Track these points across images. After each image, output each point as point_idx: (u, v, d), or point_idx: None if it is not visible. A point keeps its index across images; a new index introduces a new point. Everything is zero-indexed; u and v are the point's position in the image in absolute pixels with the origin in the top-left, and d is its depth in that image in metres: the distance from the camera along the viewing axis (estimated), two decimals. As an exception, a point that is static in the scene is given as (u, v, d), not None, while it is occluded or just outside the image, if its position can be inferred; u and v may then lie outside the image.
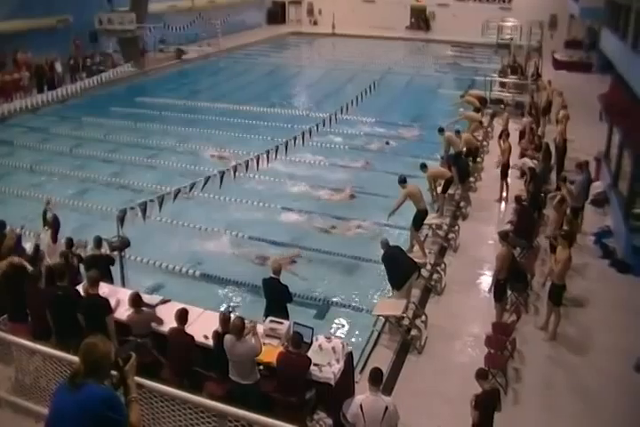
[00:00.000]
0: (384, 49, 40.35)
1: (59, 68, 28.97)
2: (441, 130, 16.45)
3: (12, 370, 7.42)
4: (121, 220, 11.12)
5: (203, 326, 8.37)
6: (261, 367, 7.81)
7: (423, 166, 14.27)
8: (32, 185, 17.58)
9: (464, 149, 16.58)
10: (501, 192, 16.12)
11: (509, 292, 10.90)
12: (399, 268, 10.44)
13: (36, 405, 6.34)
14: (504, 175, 16.12)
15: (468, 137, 17.15)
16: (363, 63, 34.88)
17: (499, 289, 10.34)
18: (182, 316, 8.08)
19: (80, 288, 8.91)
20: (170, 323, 8.24)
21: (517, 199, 13.17)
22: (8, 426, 6.61)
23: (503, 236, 10.62)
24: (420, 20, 47.01)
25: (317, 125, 16.68)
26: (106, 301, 8.30)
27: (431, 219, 13.72)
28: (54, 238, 11.05)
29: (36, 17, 28.31)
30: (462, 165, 15.67)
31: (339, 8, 46.50)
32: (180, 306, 8.95)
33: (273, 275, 9.10)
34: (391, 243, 10.76)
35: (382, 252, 10.62)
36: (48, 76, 28.16)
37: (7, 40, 27.10)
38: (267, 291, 9.22)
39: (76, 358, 5.73)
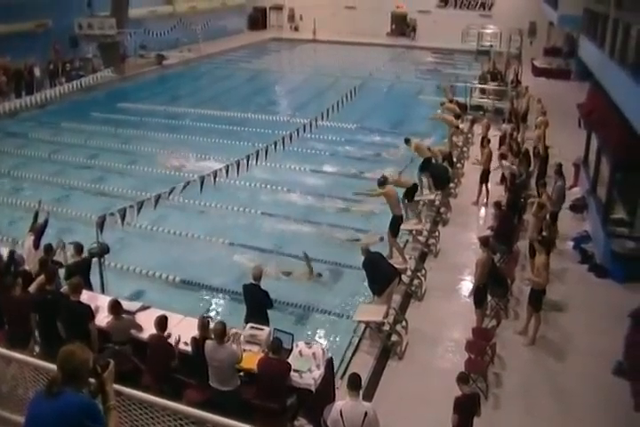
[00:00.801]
0: (365, 55, 40.51)
1: (37, 72, 28.73)
2: (407, 140, 16.37)
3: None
4: (100, 226, 11.03)
5: (183, 333, 8.29)
6: (242, 374, 7.79)
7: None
8: (9, 191, 17.45)
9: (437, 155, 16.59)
10: (479, 197, 16.27)
11: (489, 297, 10.98)
12: (380, 274, 10.44)
13: (13, 414, 6.23)
14: (484, 180, 16.24)
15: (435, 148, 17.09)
16: (344, 69, 34.99)
17: (479, 295, 10.38)
18: (162, 323, 8.02)
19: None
20: (149, 330, 8.19)
21: (497, 205, 13.24)
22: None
23: (484, 241, 10.63)
24: (404, 26, 47.23)
25: (298, 131, 16.65)
26: (88, 307, 8.24)
27: (411, 225, 13.79)
28: (36, 244, 10.91)
29: (15, 21, 28.13)
30: (436, 170, 15.68)
31: (320, 14, 46.59)
32: (160, 313, 8.94)
33: (253, 281, 9.06)
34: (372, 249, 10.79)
35: (363, 258, 10.61)
36: (27, 81, 27.92)
37: (-14, 44, 26.88)
38: (247, 297, 9.18)
39: (54, 366, 5.69)
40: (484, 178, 16.25)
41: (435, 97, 28.77)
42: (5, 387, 7.04)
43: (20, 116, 25.65)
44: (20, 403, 6.61)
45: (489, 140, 17.38)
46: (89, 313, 8.16)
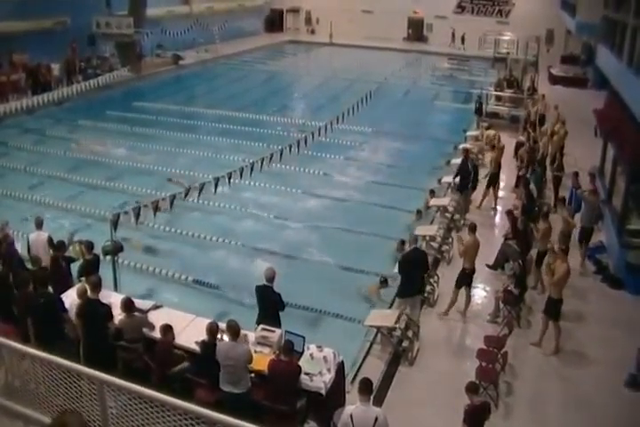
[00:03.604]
0: (381, 60, 40.56)
1: (55, 70, 28.90)
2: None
3: (2, 372, 7.35)
4: (114, 224, 11.09)
5: (194, 333, 8.36)
6: (252, 375, 7.79)
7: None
8: (27, 186, 17.54)
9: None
10: (483, 200, 16.29)
11: (502, 305, 10.95)
12: (415, 277, 10.51)
13: (25, 408, 6.29)
14: (491, 184, 16.23)
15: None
16: (359, 73, 34.99)
17: (462, 277, 11.18)
18: (167, 329, 8.04)
19: (73, 292, 8.89)
20: (161, 329, 8.21)
21: (509, 213, 13.20)
22: (-4, 427, 6.57)
23: (472, 228, 11.35)
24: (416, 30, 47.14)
25: (313, 134, 16.66)
26: (108, 307, 8.31)
27: (424, 230, 13.74)
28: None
29: (34, 18, 28.24)
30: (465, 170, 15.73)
31: (336, 18, 46.52)
32: (172, 312, 9.00)
33: (266, 282, 9.05)
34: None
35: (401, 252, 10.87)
36: (44, 79, 28.06)
37: (3, 41, 26.98)
38: (259, 298, 9.17)
39: (64, 361, 5.71)
40: (492, 182, 16.22)
41: (450, 103, 28.90)
42: (18, 381, 7.12)
43: (38, 112, 25.72)
44: (31, 398, 6.67)
45: (502, 147, 17.36)
46: (109, 312, 8.26)
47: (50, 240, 10.54)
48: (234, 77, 35.17)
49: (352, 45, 44.21)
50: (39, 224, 10.95)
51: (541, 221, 12.49)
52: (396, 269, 10.85)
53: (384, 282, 11.97)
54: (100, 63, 32.17)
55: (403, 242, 11.95)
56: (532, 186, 14.95)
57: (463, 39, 43.69)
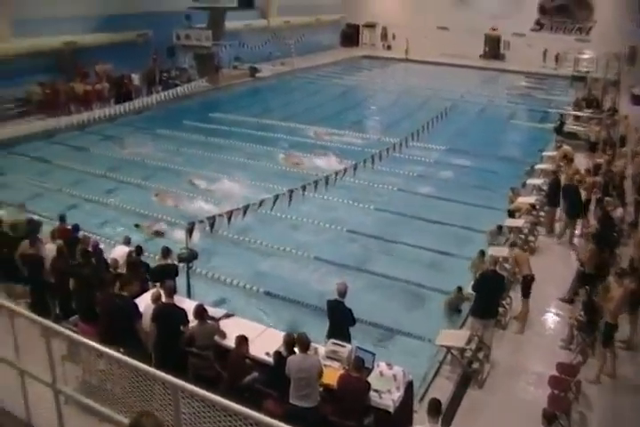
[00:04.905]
0: (456, 77, 40.08)
1: (136, 80, 29.83)
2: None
3: (80, 369, 7.58)
4: (189, 232, 11.35)
5: (264, 344, 8.43)
6: (321, 389, 7.79)
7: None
8: (104, 191, 18.16)
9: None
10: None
11: (576, 332, 10.64)
12: (490, 299, 10.40)
13: (101, 406, 6.45)
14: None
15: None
16: (434, 90, 34.76)
17: (525, 286, 11.45)
18: (242, 341, 8.12)
19: (148, 296, 9.12)
20: (233, 337, 8.27)
21: (587, 237, 12.85)
22: (73, 422, 6.72)
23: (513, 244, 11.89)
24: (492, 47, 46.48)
25: (387, 150, 16.65)
26: (183, 311, 8.47)
27: (498, 251, 13.47)
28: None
29: (118, 31, 29.44)
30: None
31: (412, 34, 46.21)
32: (244, 321, 9.10)
33: (338, 297, 9.07)
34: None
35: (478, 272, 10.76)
36: (126, 88, 29.06)
37: (91, 52, 28.21)
38: (331, 313, 9.20)
39: (140, 364, 5.83)
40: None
41: (526, 122, 28.41)
42: (95, 380, 7.32)
43: (118, 120, 26.67)
44: (106, 396, 6.85)
45: (560, 166, 17.06)
46: (184, 316, 8.43)
47: (130, 252, 10.82)
48: (309, 91, 35.44)
49: (427, 62, 43.88)
50: (127, 242, 11.23)
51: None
52: (471, 288, 10.73)
53: (460, 291, 11.81)
54: (179, 74, 32.93)
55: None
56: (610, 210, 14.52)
57: (545, 56, 42.85)
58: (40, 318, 6.37)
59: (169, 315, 8.41)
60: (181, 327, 8.41)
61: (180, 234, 14.55)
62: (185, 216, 15.58)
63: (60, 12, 26.58)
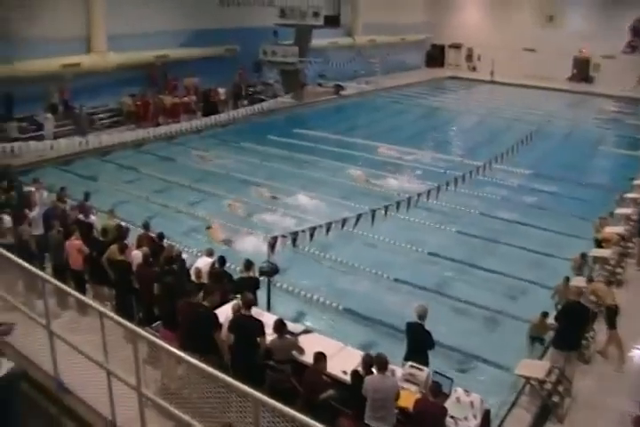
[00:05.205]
0: (543, 99, 39.20)
1: (222, 94, 30.67)
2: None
3: (160, 374, 7.77)
4: (271, 246, 11.51)
5: (342, 362, 8.43)
6: (396, 411, 7.73)
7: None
8: (189, 202, 18.67)
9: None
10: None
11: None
12: (573, 332, 10.11)
13: (179, 410, 6.58)
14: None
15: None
16: (520, 113, 34.18)
17: (610, 316, 10.99)
18: (320, 358, 8.08)
19: (228, 307, 9.26)
20: (310, 353, 8.28)
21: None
22: (152, 425, 6.89)
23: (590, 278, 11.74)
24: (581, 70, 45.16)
25: (471, 172, 16.47)
26: (260, 322, 8.55)
27: (580, 281, 13.07)
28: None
29: (207, 45, 30.52)
30: None
31: (498, 55, 45.70)
32: (322, 338, 9.12)
33: (418, 320, 9.00)
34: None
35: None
36: (212, 101, 29.85)
37: (180, 66, 29.33)
38: (410, 335, 9.13)
39: (219, 374, 5.91)
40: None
41: (615, 148, 27.57)
42: (174, 385, 7.49)
43: (204, 133, 27.45)
44: (184, 403, 6.99)
45: None
46: (261, 328, 8.48)
47: (213, 263, 11.03)
48: (393, 110, 35.37)
49: (513, 84, 43.23)
50: (209, 254, 11.43)
51: None
52: (554, 319, 10.44)
53: (545, 316, 11.48)
54: (265, 89, 33.82)
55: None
56: None
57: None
58: (128, 323, 6.57)
59: (245, 326, 8.51)
60: (258, 339, 8.47)
61: (249, 245, 15.21)
62: (263, 228, 15.98)
63: (152, 27, 27.89)
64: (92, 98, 26.26)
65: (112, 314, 6.81)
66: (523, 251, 15.58)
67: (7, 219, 12.42)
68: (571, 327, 10.07)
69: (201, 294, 9.05)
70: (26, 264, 7.79)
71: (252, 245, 14.76)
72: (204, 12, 31.00)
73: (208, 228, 16.18)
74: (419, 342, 8.98)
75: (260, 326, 8.48)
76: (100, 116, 27.09)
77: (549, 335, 11.02)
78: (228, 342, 8.54)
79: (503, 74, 44.31)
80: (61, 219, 12.54)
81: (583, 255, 13.61)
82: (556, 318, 10.38)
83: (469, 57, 51.12)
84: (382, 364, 7.62)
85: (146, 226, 12.50)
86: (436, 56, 52.34)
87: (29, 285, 8.93)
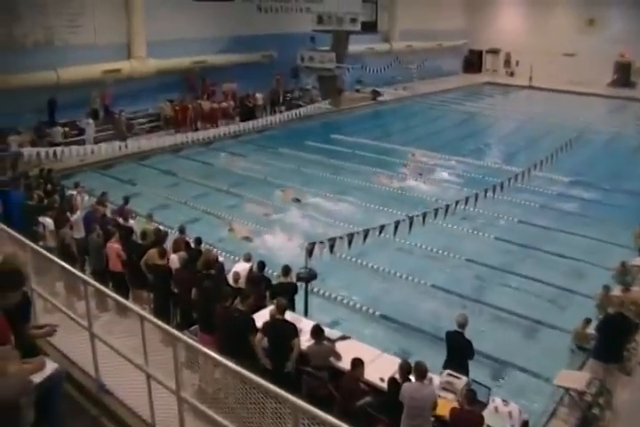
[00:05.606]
0: (582, 105, 38.75)
1: (259, 99, 30.81)
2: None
3: (197, 377, 7.82)
4: (309, 252, 11.53)
5: (379, 369, 8.40)
6: (432, 419, 7.68)
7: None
8: (226, 206, 18.81)
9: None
10: None
11: None
12: (615, 344, 9.92)
13: (216, 413, 6.62)
14: None
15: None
16: (558, 119, 33.56)
17: None
18: (358, 364, 8.05)
19: (266, 312, 9.31)
20: (347, 360, 8.26)
21: None
22: (190, 427, 6.95)
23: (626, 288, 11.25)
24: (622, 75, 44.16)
25: (509, 180, 16.30)
26: (293, 326, 8.62)
27: (619, 291, 12.81)
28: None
29: (245, 51, 30.83)
30: None
31: (537, 60, 44.80)
32: (360, 345, 9.10)
33: (458, 328, 8.93)
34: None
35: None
36: (250, 107, 30.08)
37: (219, 72, 29.67)
38: (449, 344, 9.06)
39: (256, 378, 5.92)
40: None
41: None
42: (211, 389, 7.54)
43: (242, 138, 27.64)
44: (221, 407, 7.03)
45: None
46: (293, 331, 8.56)
47: (251, 267, 11.08)
48: (430, 116, 35.18)
49: (552, 89, 42.50)
50: (247, 259, 11.50)
51: None
52: (595, 329, 10.27)
53: (588, 323, 11.31)
54: (302, 95, 33.91)
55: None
56: None
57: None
58: (168, 327, 6.63)
59: (278, 329, 8.55)
60: (291, 342, 8.48)
61: (270, 241, 15.73)
62: (300, 233, 16.05)
63: (190, 33, 28.41)
64: (131, 103, 26.74)
65: (152, 318, 6.88)
66: (562, 258, 15.37)
67: (50, 222, 12.67)
68: (612, 339, 9.89)
69: (238, 298, 9.10)
70: (68, 267, 7.92)
71: (288, 251, 14.81)
72: (241, 18, 31.38)
73: (230, 230, 16.58)
74: (459, 352, 8.90)
75: (293, 329, 8.55)
76: (140, 121, 27.56)
77: (591, 344, 10.85)
78: (261, 346, 8.57)
79: (542, 79, 43.67)
80: (101, 222, 12.75)
81: (624, 264, 13.37)
82: (598, 329, 10.20)
83: (507, 62, 50.58)
84: (421, 372, 7.59)
85: (181, 230, 12.62)
86: (473, 61, 51.98)
87: (70, 287, 9.08)
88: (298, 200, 18.61)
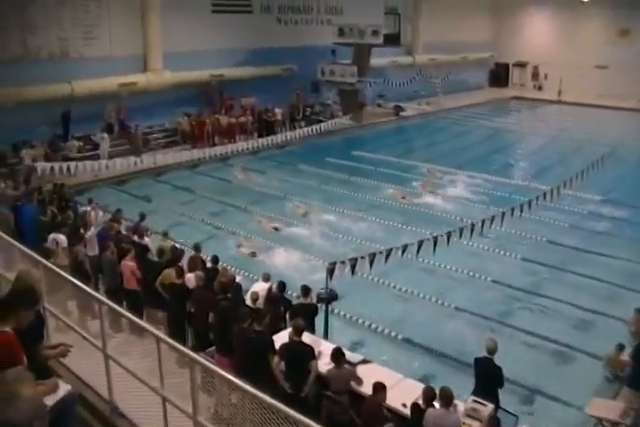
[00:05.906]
0: (615, 120, 37.81)
1: (279, 114, 30.46)
2: None
3: (213, 401, 7.55)
4: (330, 272, 11.23)
5: (401, 394, 8.09)
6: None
7: None
8: (240, 222, 18.54)
9: None
10: None
11: None
12: None
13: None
14: None
15: None
16: (590, 134, 32.82)
17: None
18: (380, 388, 7.72)
19: (285, 334, 9.04)
20: (368, 384, 7.96)
21: None
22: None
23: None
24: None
25: (538, 198, 15.88)
26: (310, 348, 8.38)
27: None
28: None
29: (264, 65, 30.53)
30: None
31: (566, 73, 43.82)
32: (382, 369, 8.80)
33: (487, 354, 8.53)
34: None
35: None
36: (268, 122, 29.76)
37: (237, 85, 29.33)
38: (478, 371, 8.68)
39: (276, 403, 5.64)
40: None
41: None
42: (227, 413, 7.25)
43: (261, 154, 27.28)
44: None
45: None
46: (310, 353, 8.32)
47: (270, 288, 10.80)
48: (455, 132, 34.51)
49: (583, 104, 41.47)
50: (266, 279, 11.23)
51: None
52: (630, 356, 9.80)
53: (621, 349, 10.79)
54: (323, 110, 33.40)
55: None
56: None
57: None
58: (185, 349, 6.39)
59: (294, 352, 8.33)
60: (309, 365, 8.24)
61: (278, 258, 15.44)
62: (320, 252, 15.77)
63: (207, 46, 28.08)
64: (147, 117, 26.52)
65: (169, 339, 6.65)
66: (592, 280, 14.84)
67: (63, 239, 12.50)
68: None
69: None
70: (82, 285, 7.72)
71: (306, 270, 14.58)
72: (260, 30, 31.03)
73: (238, 246, 16.50)
74: (488, 379, 8.50)
75: (310, 351, 8.31)
76: (156, 135, 27.35)
77: (624, 372, 10.38)
78: (279, 369, 8.32)
79: (572, 93, 42.84)
80: (116, 240, 12.54)
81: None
82: (633, 356, 9.72)
83: (535, 75, 49.78)
84: (447, 398, 7.32)
85: (197, 248, 12.33)
86: (499, 75, 51.23)
87: (83, 306, 8.88)
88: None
